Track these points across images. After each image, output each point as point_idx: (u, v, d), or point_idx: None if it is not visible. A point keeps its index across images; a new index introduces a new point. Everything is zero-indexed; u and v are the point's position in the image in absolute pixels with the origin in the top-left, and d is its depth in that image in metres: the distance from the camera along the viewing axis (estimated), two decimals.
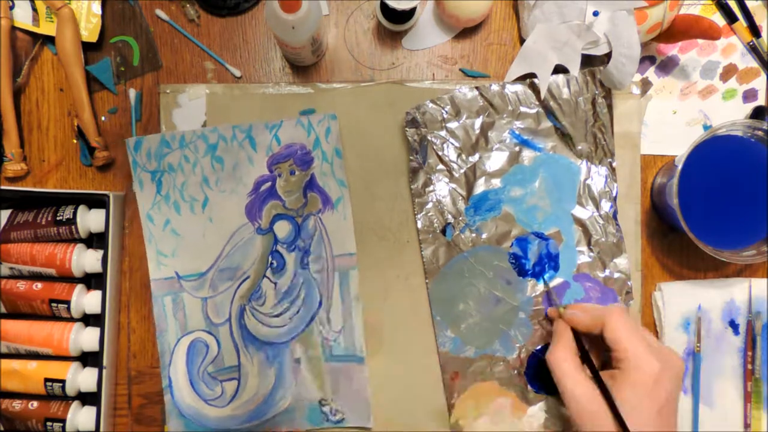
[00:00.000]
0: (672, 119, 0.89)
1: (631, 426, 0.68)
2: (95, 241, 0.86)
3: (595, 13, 0.81)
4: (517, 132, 0.86)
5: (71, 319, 0.84)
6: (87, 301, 0.83)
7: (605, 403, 0.71)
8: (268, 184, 0.86)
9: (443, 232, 0.85)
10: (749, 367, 0.86)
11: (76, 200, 0.84)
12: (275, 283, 0.85)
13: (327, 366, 0.84)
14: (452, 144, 0.85)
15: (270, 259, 0.85)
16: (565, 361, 0.74)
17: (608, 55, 0.83)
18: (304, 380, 0.84)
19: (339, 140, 0.86)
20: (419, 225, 0.85)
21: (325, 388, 0.84)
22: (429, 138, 0.85)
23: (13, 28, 0.85)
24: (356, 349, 0.84)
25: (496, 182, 0.85)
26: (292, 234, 0.86)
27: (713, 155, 0.82)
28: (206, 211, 0.86)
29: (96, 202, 0.85)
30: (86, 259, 0.83)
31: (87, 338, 0.83)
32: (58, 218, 0.82)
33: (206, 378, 0.84)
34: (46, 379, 0.82)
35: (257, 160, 0.86)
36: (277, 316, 0.85)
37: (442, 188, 0.85)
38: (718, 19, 0.90)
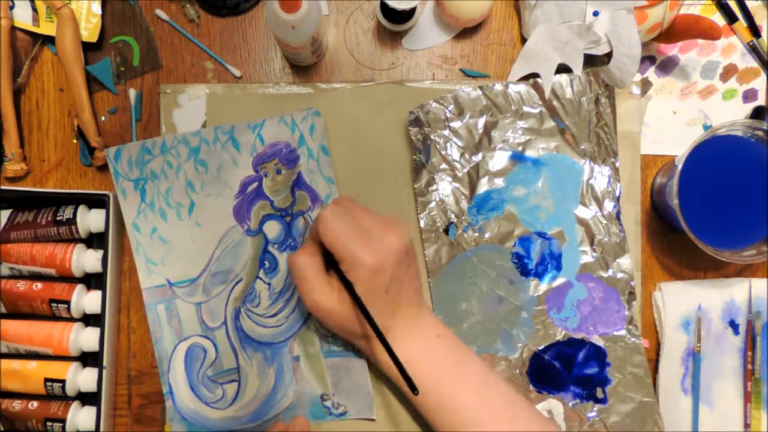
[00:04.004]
0: (672, 119, 0.90)
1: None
2: (95, 241, 0.86)
3: (596, 13, 0.81)
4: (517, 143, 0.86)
5: (71, 319, 0.83)
6: (87, 301, 0.83)
7: (344, 304, 0.75)
8: (255, 184, 0.85)
9: (446, 231, 0.85)
10: (749, 367, 0.86)
11: (76, 200, 0.84)
12: (269, 284, 0.85)
13: (327, 362, 0.84)
14: (455, 143, 0.85)
15: (262, 260, 0.85)
16: (307, 261, 0.76)
17: (609, 55, 0.83)
18: (304, 377, 0.84)
19: (325, 137, 0.86)
20: (422, 224, 0.85)
21: (326, 383, 0.84)
22: (432, 137, 0.85)
23: (13, 28, 0.85)
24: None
25: (499, 182, 0.85)
26: (283, 233, 0.85)
27: (713, 155, 0.83)
28: (193, 215, 0.85)
29: (96, 202, 0.84)
30: (86, 259, 0.83)
31: (87, 338, 0.82)
32: (58, 218, 0.82)
33: (206, 382, 0.84)
34: (46, 379, 0.81)
35: (242, 162, 0.85)
36: (272, 316, 0.85)
37: (445, 187, 0.85)
38: (718, 19, 0.90)
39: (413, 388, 0.71)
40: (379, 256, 0.72)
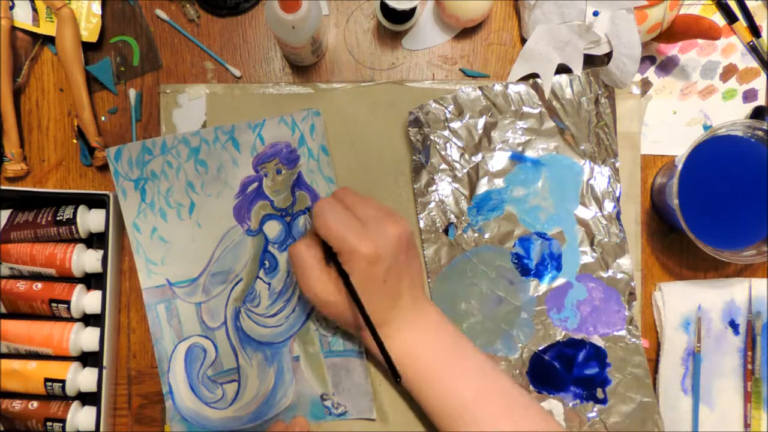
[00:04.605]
0: (672, 119, 0.90)
1: (368, 308, 0.72)
2: (95, 241, 0.86)
3: (596, 13, 0.81)
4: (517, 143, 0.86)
5: (71, 319, 0.83)
6: (87, 301, 0.83)
7: (343, 295, 0.74)
8: (255, 184, 0.85)
9: (446, 231, 0.85)
10: (749, 367, 0.86)
11: (76, 200, 0.84)
12: (269, 284, 0.85)
13: (327, 361, 0.84)
14: (455, 144, 0.85)
15: (262, 259, 0.85)
16: (306, 252, 0.76)
17: (608, 55, 0.83)
18: (304, 377, 0.84)
19: (324, 137, 0.86)
20: (422, 224, 0.85)
21: (326, 383, 0.84)
22: (432, 138, 0.85)
23: (13, 28, 0.85)
24: (355, 344, 0.84)
25: (499, 182, 0.85)
26: (283, 233, 0.85)
27: (713, 155, 0.83)
28: (193, 215, 0.85)
29: (96, 202, 0.84)
30: (86, 259, 0.83)
31: (87, 338, 0.82)
32: (58, 218, 0.82)
33: (206, 382, 0.84)
34: (46, 379, 0.81)
35: (242, 161, 0.85)
36: (272, 316, 0.85)
37: (444, 188, 0.85)
38: (718, 19, 0.90)
39: (396, 376, 0.71)
40: (375, 246, 0.72)
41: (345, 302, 0.75)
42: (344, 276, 0.73)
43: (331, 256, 0.75)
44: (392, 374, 0.71)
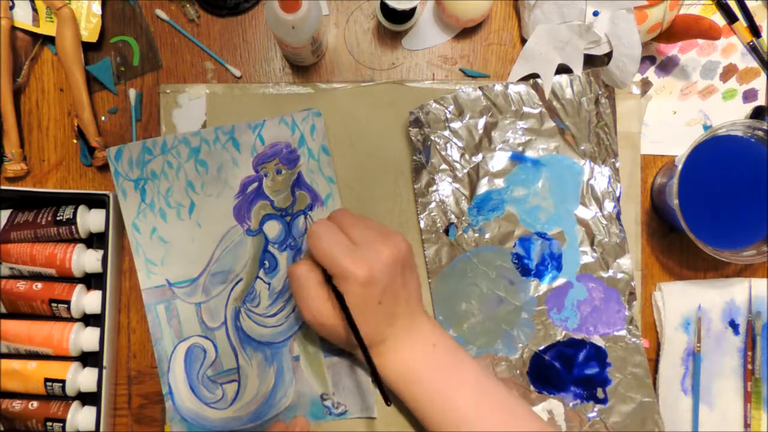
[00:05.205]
0: (672, 119, 0.90)
1: (362, 330, 0.73)
2: (95, 241, 0.86)
3: (595, 13, 0.81)
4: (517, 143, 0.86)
5: (71, 319, 0.83)
6: (87, 301, 0.83)
7: (340, 316, 0.75)
8: (255, 184, 0.85)
9: (446, 231, 0.85)
10: (749, 367, 0.86)
11: (76, 200, 0.84)
12: (269, 284, 0.85)
13: (327, 361, 0.84)
14: (455, 144, 0.85)
15: (262, 259, 0.85)
16: (307, 274, 0.76)
17: (608, 55, 0.83)
18: (304, 377, 0.84)
19: (325, 137, 0.86)
20: (422, 225, 0.85)
21: (326, 383, 0.84)
22: (432, 138, 0.85)
23: (13, 28, 0.85)
24: None
25: (499, 182, 0.85)
26: (283, 233, 0.85)
27: (713, 155, 0.83)
28: (193, 216, 0.85)
29: (96, 202, 0.84)
30: (86, 259, 0.83)
31: (87, 338, 0.82)
32: (58, 218, 0.82)
33: (206, 382, 0.84)
34: (46, 379, 0.81)
35: (242, 161, 0.85)
36: (272, 316, 0.85)
37: (445, 188, 0.85)
38: (718, 19, 0.90)
39: (387, 400, 0.72)
40: (369, 269, 0.72)
41: (341, 323, 0.75)
42: (340, 298, 0.73)
43: (326, 277, 0.75)
44: (383, 398, 0.72)
